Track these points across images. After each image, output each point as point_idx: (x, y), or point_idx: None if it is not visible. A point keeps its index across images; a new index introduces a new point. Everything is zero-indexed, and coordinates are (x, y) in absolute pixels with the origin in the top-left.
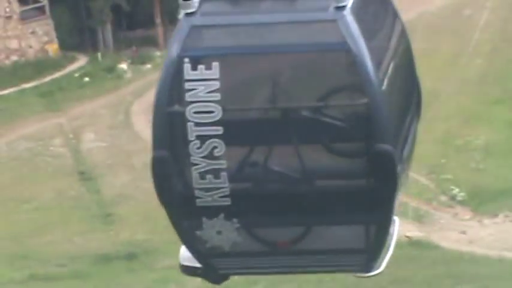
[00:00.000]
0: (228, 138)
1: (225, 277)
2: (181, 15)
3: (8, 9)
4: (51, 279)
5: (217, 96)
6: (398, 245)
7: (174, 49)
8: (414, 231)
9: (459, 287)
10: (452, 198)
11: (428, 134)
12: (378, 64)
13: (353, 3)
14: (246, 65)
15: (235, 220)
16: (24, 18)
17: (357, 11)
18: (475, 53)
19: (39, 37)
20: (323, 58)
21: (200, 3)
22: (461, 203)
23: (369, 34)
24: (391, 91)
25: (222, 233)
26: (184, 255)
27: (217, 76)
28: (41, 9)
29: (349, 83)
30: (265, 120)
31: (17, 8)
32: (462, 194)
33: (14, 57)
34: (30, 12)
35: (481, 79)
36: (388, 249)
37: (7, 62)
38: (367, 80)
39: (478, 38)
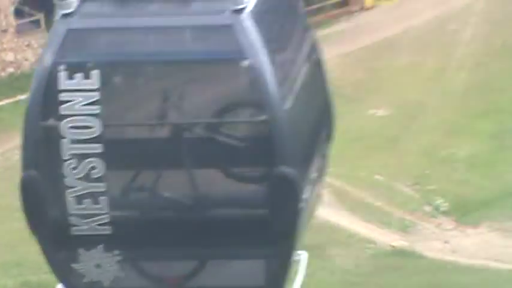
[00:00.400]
0: (109, 157)
1: None
2: (57, 16)
3: (4, 23)
4: (43, 286)
5: (96, 109)
6: (383, 254)
7: (48, 55)
8: (398, 241)
9: None
10: (436, 208)
11: (413, 146)
12: (281, 78)
13: (254, 6)
14: (132, 75)
15: (116, 252)
16: (19, 31)
17: (259, 16)
18: (459, 67)
19: (35, 50)
20: (218, 69)
21: (80, 4)
22: (445, 213)
23: (271, 44)
24: (296, 109)
25: (101, 266)
26: None
27: (97, 86)
28: (37, 23)
29: (247, 98)
30: (153, 138)
31: (13, 21)
32: (446, 204)
33: (10, 70)
34: (25, 25)
35: (464, 92)
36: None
37: (3, 74)
38: (267, 95)
39: (462, 52)
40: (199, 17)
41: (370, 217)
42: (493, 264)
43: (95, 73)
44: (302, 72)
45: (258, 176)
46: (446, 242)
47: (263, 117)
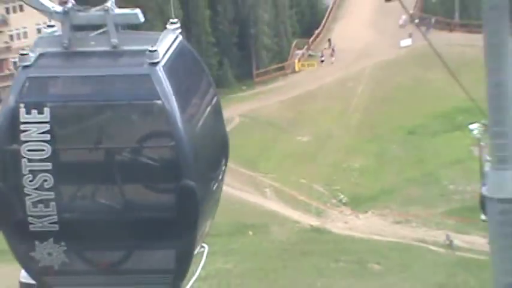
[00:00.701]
0: (57, 173)
1: None
2: (19, 67)
3: None
4: None
5: (47, 136)
6: (305, 230)
7: (12, 96)
8: (315, 222)
9: (344, 257)
10: (339, 201)
11: (324, 160)
12: (186, 115)
13: (166, 61)
14: (74, 112)
15: (63, 243)
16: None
17: (170, 68)
18: (355, 110)
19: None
20: (139, 107)
21: (37, 58)
22: (345, 204)
23: (179, 89)
24: (197, 138)
25: (52, 254)
26: (23, 273)
27: (48, 120)
28: None
29: (161, 130)
30: (91, 159)
31: None
32: (346, 198)
33: None
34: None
35: (358, 126)
36: (195, 271)
37: None
38: (174, 127)
39: (356, 101)
40: (125, 68)
41: (297, 206)
42: (375, 237)
43: (47, 110)
44: (204, 113)
45: (168, 187)
46: (345, 222)
47: (172, 144)
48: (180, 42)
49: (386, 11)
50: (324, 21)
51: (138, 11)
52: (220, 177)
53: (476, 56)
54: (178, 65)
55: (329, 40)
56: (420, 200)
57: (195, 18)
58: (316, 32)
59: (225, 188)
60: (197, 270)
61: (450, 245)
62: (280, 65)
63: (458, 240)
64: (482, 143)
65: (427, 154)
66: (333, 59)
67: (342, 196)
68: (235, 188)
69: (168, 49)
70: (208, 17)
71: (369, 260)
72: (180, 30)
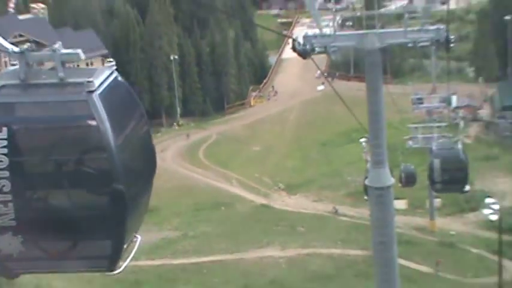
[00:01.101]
0: (13, 179)
1: (17, 275)
2: None
3: None
4: None
5: (5, 150)
6: (257, 206)
7: None
8: (263, 201)
9: (282, 223)
10: (279, 188)
11: (269, 162)
12: (117, 133)
13: (102, 90)
14: (28, 130)
15: (20, 236)
16: None
17: (104, 96)
18: (288, 130)
19: None
20: (80, 127)
21: (0, 88)
22: (283, 189)
23: (112, 113)
24: (126, 151)
25: (11, 244)
26: None
27: (5, 137)
28: None
29: (96, 144)
30: (41, 168)
31: None
32: (283, 186)
33: None
34: None
35: (290, 140)
36: (128, 257)
37: None
38: (107, 143)
39: (289, 124)
40: (69, 95)
41: (252, 191)
42: (301, 210)
43: (5, 129)
44: (133, 132)
45: (103, 191)
46: (283, 201)
47: (104, 156)
48: (115, 76)
49: (308, 67)
50: (269, 74)
51: (79, 51)
52: (147, 183)
53: (364, 97)
54: (111, 94)
55: (272, 86)
56: (329, 187)
57: (188, 72)
58: (264, 81)
59: (205, 179)
60: (130, 255)
61: (336, 213)
62: (241, 101)
63: (353, 212)
64: (366, 151)
65: (333, 158)
66: (275, 98)
67: (281, 184)
68: (213, 179)
69: (103, 81)
70: (196, 71)
71: (297, 225)
72: (115, 67)
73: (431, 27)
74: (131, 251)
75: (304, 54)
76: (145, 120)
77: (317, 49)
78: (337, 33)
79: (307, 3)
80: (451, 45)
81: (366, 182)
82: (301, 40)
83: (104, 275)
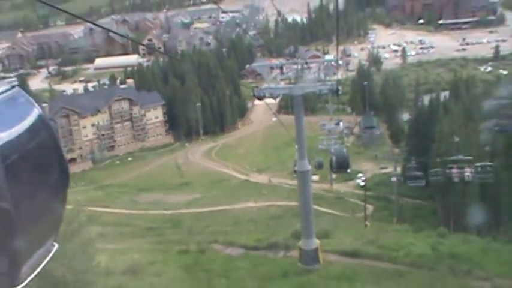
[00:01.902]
0: None
1: None
2: None
3: None
4: None
5: None
6: (243, 182)
7: None
8: (246, 177)
9: (255, 190)
10: (253, 170)
11: (248, 157)
12: (6, 151)
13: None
14: None
15: None
16: None
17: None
18: (258, 141)
19: None
20: None
21: None
22: (255, 171)
23: (2, 131)
24: (15, 169)
25: None
26: None
27: None
28: None
29: None
30: None
31: None
32: (255, 169)
33: None
34: None
35: (261, 146)
36: (35, 270)
37: None
38: None
39: (259, 137)
40: None
41: (239, 172)
42: (265, 183)
43: None
44: (28, 149)
45: None
46: (256, 177)
47: None
48: (14, 90)
49: (268, 108)
50: (248, 112)
51: None
52: (52, 198)
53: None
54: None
55: (250, 118)
56: (279, 170)
57: (206, 109)
58: (246, 115)
59: (215, 167)
60: (40, 266)
61: (270, 181)
62: (234, 126)
63: (291, 183)
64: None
65: (282, 155)
66: (251, 124)
67: (255, 169)
68: (218, 167)
69: None
70: (209, 109)
71: (263, 190)
72: (16, 83)
73: (329, 83)
74: (42, 261)
75: (260, 98)
76: (50, 134)
77: (266, 95)
78: (278, 85)
79: (262, 73)
80: (339, 93)
81: (295, 168)
82: (256, 91)
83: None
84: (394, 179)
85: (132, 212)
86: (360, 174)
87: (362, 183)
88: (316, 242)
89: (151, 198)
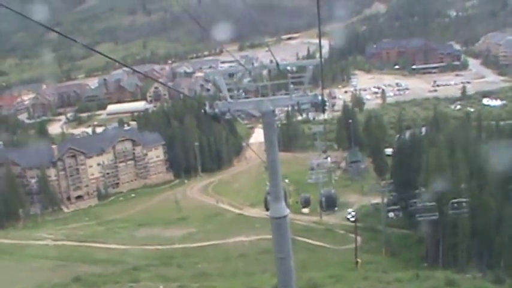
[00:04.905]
0: None
1: None
2: None
3: None
4: None
5: None
6: (235, 215)
7: None
8: (240, 212)
9: (248, 224)
10: (247, 205)
11: (242, 192)
12: None
13: None
14: None
15: None
16: None
17: None
18: (251, 177)
19: None
20: None
21: None
22: (249, 206)
23: None
24: None
25: None
26: None
27: None
28: None
29: None
30: None
31: None
32: (249, 204)
33: None
34: None
35: (252, 181)
36: None
37: None
38: None
39: (252, 174)
40: None
41: (235, 206)
42: (257, 216)
43: None
44: None
45: None
46: (249, 211)
47: None
48: None
49: (261, 148)
50: (243, 149)
51: None
52: None
53: (283, 157)
54: None
55: (245, 155)
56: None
57: (204, 150)
58: (241, 153)
59: (211, 202)
60: None
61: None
62: (230, 164)
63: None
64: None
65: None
66: (247, 160)
67: (249, 203)
68: (214, 201)
69: None
70: (207, 149)
71: (256, 224)
72: None
73: (310, 94)
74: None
75: (214, 117)
76: None
77: (224, 112)
78: (238, 100)
79: (216, 81)
80: (325, 107)
81: (267, 205)
82: (209, 106)
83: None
84: (382, 209)
85: (128, 248)
86: (349, 210)
87: (350, 216)
88: None
89: (148, 233)
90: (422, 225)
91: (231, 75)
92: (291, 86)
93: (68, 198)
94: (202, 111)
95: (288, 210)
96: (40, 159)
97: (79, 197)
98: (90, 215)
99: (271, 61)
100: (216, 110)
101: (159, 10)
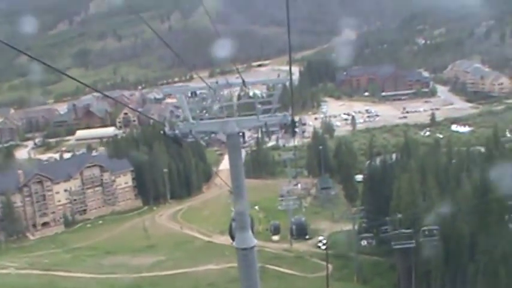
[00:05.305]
0: None
1: None
2: None
3: None
4: None
5: None
6: (205, 242)
7: None
8: (209, 239)
9: (214, 250)
10: (217, 232)
11: (212, 219)
12: None
13: None
14: None
15: None
16: None
17: None
18: (220, 203)
19: None
20: None
21: None
22: (218, 233)
23: None
24: None
25: None
26: None
27: None
28: None
29: None
30: None
31: None
32: (218, 231)
33: None
34: None
35: (221, 208)
36: None
37: None
38: None
39: (221, 201)
40: None
41: (204, 234)
42: (227, 244)
43: None
44: None
45: None
46: (218, 238)
47: None
48: None
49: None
50: (213, 176)
51: None
52: None
53: (251, 183)
54: None
55: (215, 182)
56: None
57: (172, 176)
58: (210, 179)
59: (179, 229)
60: None
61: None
62: (199, 191)
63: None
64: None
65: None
66: (217, 186)
67: (218, 230)
68: (183, 229)
69: None
70: (175, 175)
71: (226, 251)
72: None
73: (280, 114)
74: None
75: (175, 140)
76: None
77: (185, 133)
78: (201, 121)
79: (178, 99)
80: (296, 128)
81: (232, 234)
82: (169, 128)
83: None
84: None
85: (94, 277)
86: (320, 237)
87: (321, 244)
88: None
89: (116, 261)
90: (394, 252)
91: (193, 93)
92: (258, 106)
93: (34, 225)
94: (161, 132)
95: (255, 241)
96: (5, 185)
97: (45, 224)
98: (57, 243)
99: (241, 88)
100: (177, 132)
101: (130, 36)
